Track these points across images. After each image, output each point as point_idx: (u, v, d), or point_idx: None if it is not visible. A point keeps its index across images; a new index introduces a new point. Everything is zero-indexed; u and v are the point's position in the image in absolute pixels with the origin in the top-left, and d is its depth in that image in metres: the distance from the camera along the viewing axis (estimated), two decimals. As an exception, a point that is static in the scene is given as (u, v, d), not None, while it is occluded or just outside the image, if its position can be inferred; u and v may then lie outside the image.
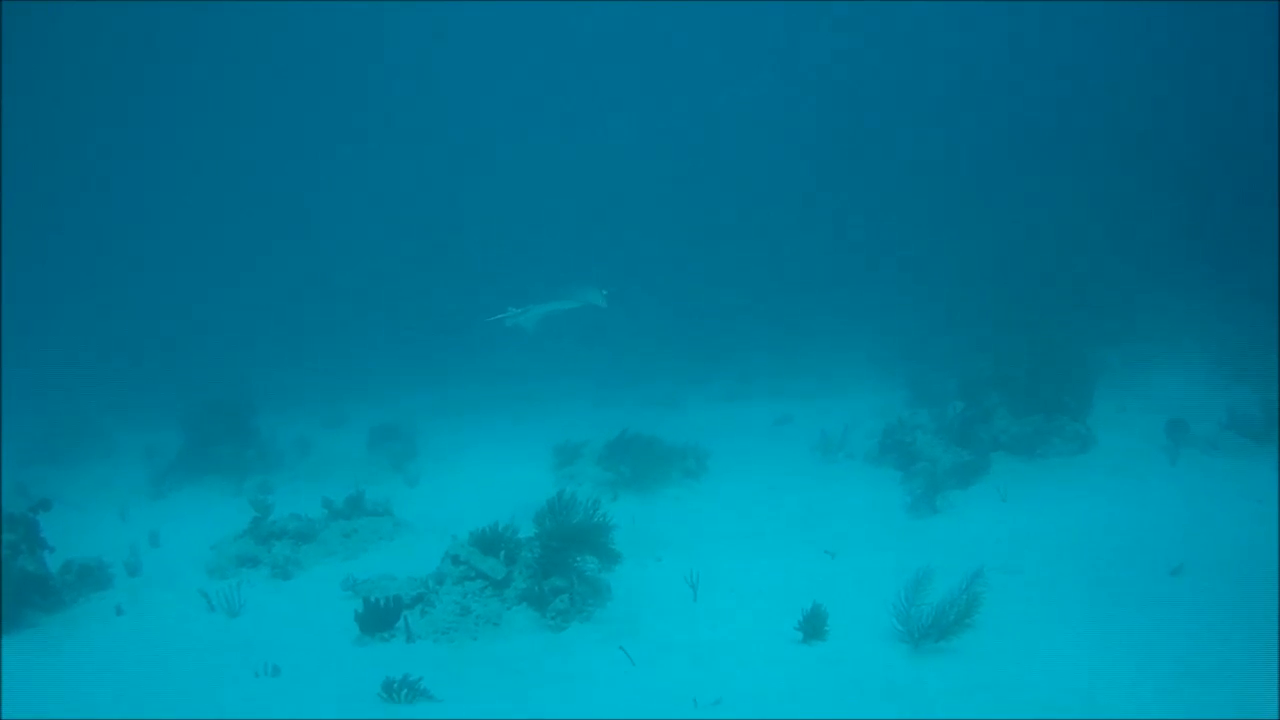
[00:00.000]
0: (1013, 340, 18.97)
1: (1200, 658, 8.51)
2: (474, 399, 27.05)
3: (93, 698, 9.24)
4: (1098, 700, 7.98)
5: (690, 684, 8.80)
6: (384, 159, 54.35)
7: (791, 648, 9.56)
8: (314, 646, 10.50)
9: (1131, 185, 24.68)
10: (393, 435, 21.61)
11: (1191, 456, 14.76)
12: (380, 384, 29.73)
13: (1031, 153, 34.59)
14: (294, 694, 9.29)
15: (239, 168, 51.56)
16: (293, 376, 30.75)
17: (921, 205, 33.15)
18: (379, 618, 10.78)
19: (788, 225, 36.04)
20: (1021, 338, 18.70)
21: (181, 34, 43.27)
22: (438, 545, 12.06)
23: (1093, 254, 22.75)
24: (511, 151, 54.67)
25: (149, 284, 44.63)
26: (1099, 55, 44.81)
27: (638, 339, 29.04)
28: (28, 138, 41.92)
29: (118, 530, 15.90)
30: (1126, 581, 10.33)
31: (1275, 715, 7.71)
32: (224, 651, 10.45)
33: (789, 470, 16.33)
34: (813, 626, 9.67)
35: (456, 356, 31.09)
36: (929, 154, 39.58)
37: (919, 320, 24.76)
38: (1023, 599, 10.06)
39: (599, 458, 16.57)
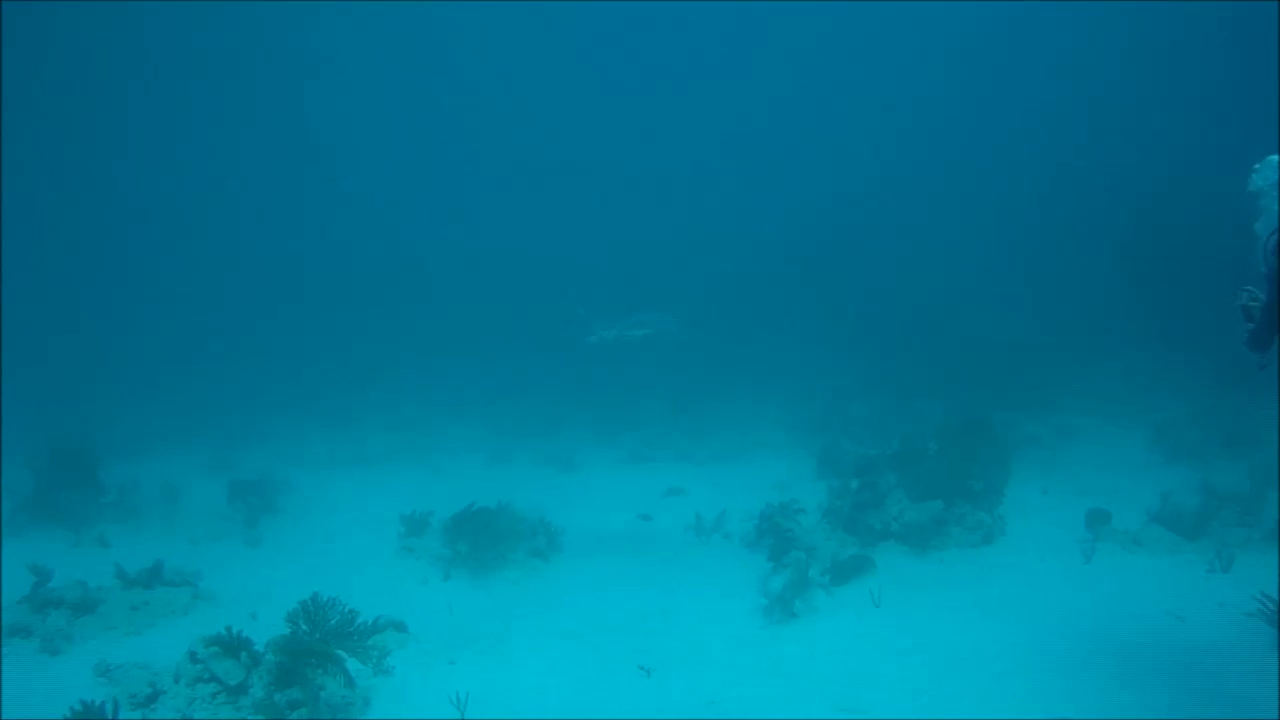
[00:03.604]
0: (928, 410, 17.22)
1: None
2: (371, 449, 25.15)
3: None
4: None
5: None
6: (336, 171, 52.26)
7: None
8: (29, 748, 8.52)
9: (1070, 247, 23.07)
10: (255, 489, 19.51)
11: (1110, 553, 12.72)
12: (278, 428, 27.87)
13: (966, 212, 33.10)
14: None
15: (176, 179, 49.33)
16: (193, 414, 29.01)
17: (848, 264, 31.48)
18: (90, 720, 8.87)
19: (709, 282, 34.10)
20: (936, 407, 16.95)
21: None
22: (234, 625, 9.95)
23: (1028, 318, 21.01)
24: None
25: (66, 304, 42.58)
26: (1035, 111, 43.63)
27: (551, 388, 27.25)
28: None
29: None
30: (991, 738, 8.20)
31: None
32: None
33: (652, 553, 14.21)
34: (579, 781, 7.57)
35: (365, 402, 29.53)
36: (860, 210, 37.97)
37: (840, 385, 22.95)
38: (853, 752, 7.94)
39: (444, 530, 14.42)
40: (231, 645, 9.36)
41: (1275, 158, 7.05)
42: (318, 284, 42.69)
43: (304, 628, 9.45)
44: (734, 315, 29.66)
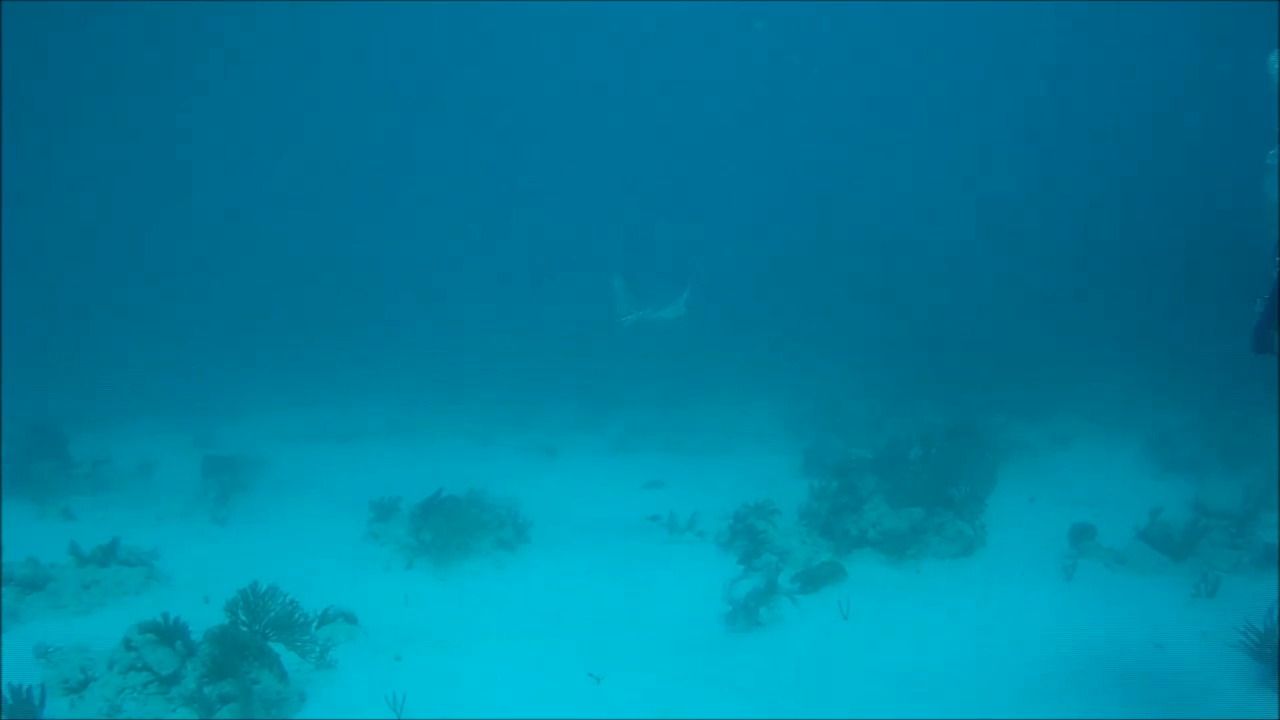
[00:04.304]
0: (923, 410, 16.83)
1: None
2: (355, 427, 24.81)
3: None
4: None
5: None
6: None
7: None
8: (-46, 735, 8.31)
9: (1065, 245, 22.60)
10: (229, 465, 19.20)
11: (1092, 571, 12.26)
12: (264, 403, 27.52)
13: (967, 215, 32.54)
14: None
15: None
16: (179, 389, 28.64)
17: (849, 262, 30.98)
18: (17, 710, 8.63)
19: (709, 275, 33.63)
20: (932, 408, 16.56)
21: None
22: (186, 608, 9.72)
23: (1027, 321, 20.57)
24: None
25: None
26: (1036, 115, 42.82)
27: (543, 373, 26.89)
28: None
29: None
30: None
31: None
32: None
33: (621, 549, 13.78)
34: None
35: (352, 379, 29.18)
36: (861, 209, 37.33)
37: (838, 382, 22.54)
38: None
39: (410, 517, 14.06)
40: (167, 633, 9.00)
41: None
42: (311, 264, 42.32)
43: (243, 618, 9.11)
44: (732, 308, 29.23)
